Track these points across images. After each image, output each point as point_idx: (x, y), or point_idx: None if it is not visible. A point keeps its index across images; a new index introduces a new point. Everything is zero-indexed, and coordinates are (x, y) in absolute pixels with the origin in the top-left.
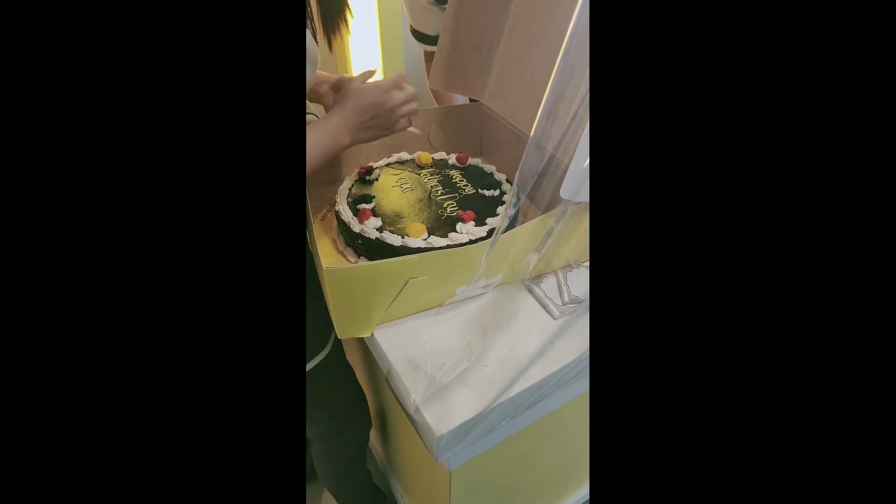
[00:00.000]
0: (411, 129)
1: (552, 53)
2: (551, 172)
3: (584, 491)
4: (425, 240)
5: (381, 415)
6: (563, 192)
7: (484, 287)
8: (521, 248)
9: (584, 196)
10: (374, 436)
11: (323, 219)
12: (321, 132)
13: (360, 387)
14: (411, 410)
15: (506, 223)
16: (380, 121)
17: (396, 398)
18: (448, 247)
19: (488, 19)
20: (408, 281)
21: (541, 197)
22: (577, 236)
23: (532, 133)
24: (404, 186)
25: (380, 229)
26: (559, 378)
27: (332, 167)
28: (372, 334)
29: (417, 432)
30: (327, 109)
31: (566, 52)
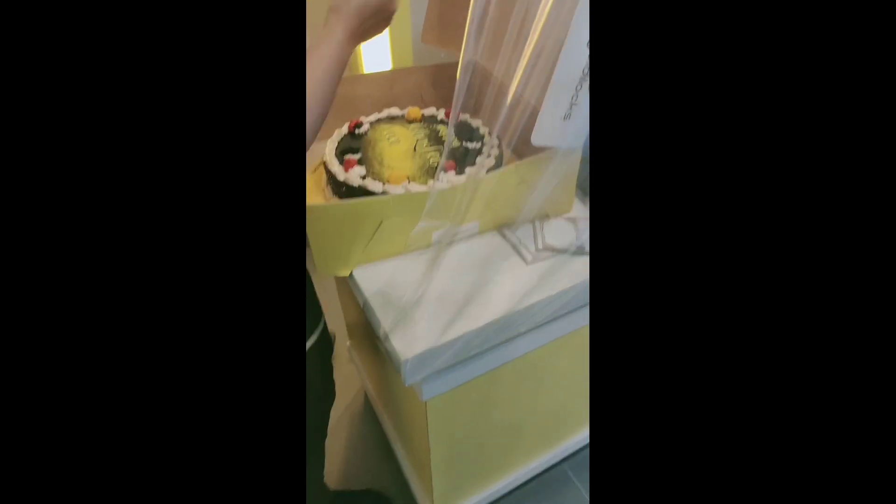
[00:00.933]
0: None
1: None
2: (491, 94)
3: (565, 445)
4: (405, 186)
5: (369, 362)
6: (535, 140)
7: (460, 230)
8: (492, 193)
9: (554, 142)
10: (370, 384)
11: (314, 171)
12: (331, 47)
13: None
14: (382, 338)
15: (482, 172)
16: (380, 20)
17: (372, 330)
18: None
19: None
20: (383, 221)
21: (486, 114)
22: (541, 188)
23: (462, 49)
24: (391, 139)
25: (363, 177)
26: (528, 318)
27: (326, 123)
28: (351, 273)
29: (390, 360)
30: None
31: None
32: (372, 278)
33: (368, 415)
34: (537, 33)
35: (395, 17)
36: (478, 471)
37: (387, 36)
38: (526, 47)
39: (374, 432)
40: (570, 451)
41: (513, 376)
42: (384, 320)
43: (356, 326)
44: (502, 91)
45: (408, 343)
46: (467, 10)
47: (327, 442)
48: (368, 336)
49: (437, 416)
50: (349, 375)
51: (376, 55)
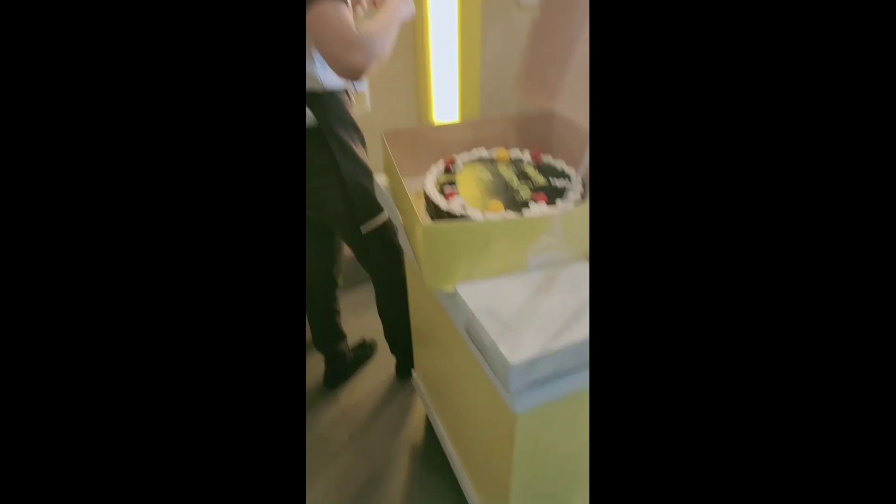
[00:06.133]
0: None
1: None
2: (576, 139)
3: None
4: (503, 215)
5: (442, 388)
6: None
7: (552, 256)
8: (581, 225)
9: None
10: (436, 412)
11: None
12: (393, 14)
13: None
14: (488, 345)
15: (572, 205)
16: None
17: (473, 342)
18: None
19: (562, 38)
20: (489, 241)
21: None
22: None
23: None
24: (483, 176)
25: (463, 206)
26: None
27: (419, 162)
28: (455, 289)
29: (491, 368)
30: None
31: None
32: (473, 294)
33: (431, 444)
34: None
35: (466, 75)
36: (551, 499)
37: (456, 89)
38: None
39: (437, 462)
40: None
41: None
42: (491, 330)
43: (428, 351)
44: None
45: (515, 349)
46: (551, 68)
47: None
48: (444, 356)
49: (525, 432)
50: (408, 406)
51: (446, 106)
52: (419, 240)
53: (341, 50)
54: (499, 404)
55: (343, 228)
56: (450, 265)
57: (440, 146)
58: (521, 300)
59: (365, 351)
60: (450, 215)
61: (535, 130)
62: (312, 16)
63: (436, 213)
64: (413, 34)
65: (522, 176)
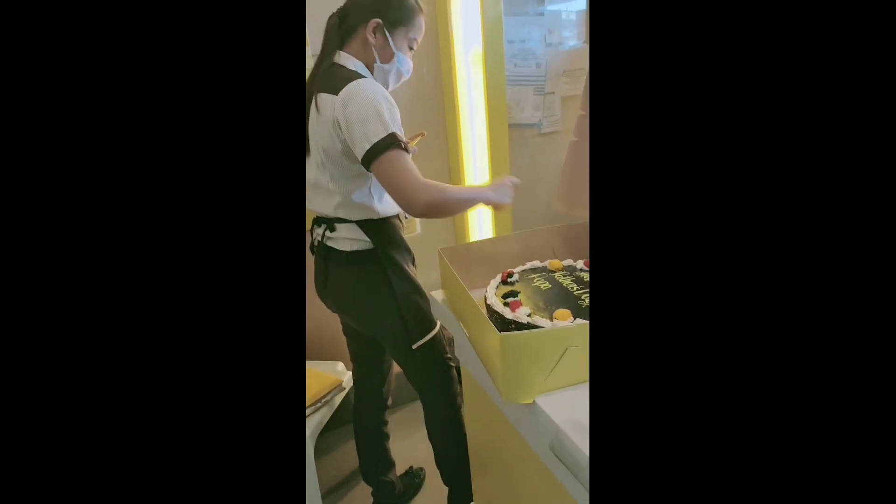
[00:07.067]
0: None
1: None
2: None
3: None
4: (573, 322)
5: None
6: None
7: None
8: None
9: None
10: None
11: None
12: (481, 198)
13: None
14: (583, 465)
15: None
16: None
17: (563, 462)
18: None
19: None
20: (566, 349)
21: None
22: None
23: None
24: (543, 286)
25: (529, 315)
26: None
27: (473, 276)
28: (534, 401)
29: (586, 491)
30: None
31: None
32: (554, 406)
33: None
34: None
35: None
36: None
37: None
38: None
39: None
40: None
41: None
42: (585, 447)
43: (491, 479)
44: None
45: None
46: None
47: None
48: (516, 484)
49: None
50: None
51: (481, 225)
52: (495, 349)
53: (411, 192)
54: None
55: (394, 344)
56: (528, 375)
57: (492, 259)
58: None
59: (413, 480)
60: (516, 325)
61: (581, 239)
62: (380, 165)
63: (501, 324)
64: (448, 162)
65: (580, 283)
